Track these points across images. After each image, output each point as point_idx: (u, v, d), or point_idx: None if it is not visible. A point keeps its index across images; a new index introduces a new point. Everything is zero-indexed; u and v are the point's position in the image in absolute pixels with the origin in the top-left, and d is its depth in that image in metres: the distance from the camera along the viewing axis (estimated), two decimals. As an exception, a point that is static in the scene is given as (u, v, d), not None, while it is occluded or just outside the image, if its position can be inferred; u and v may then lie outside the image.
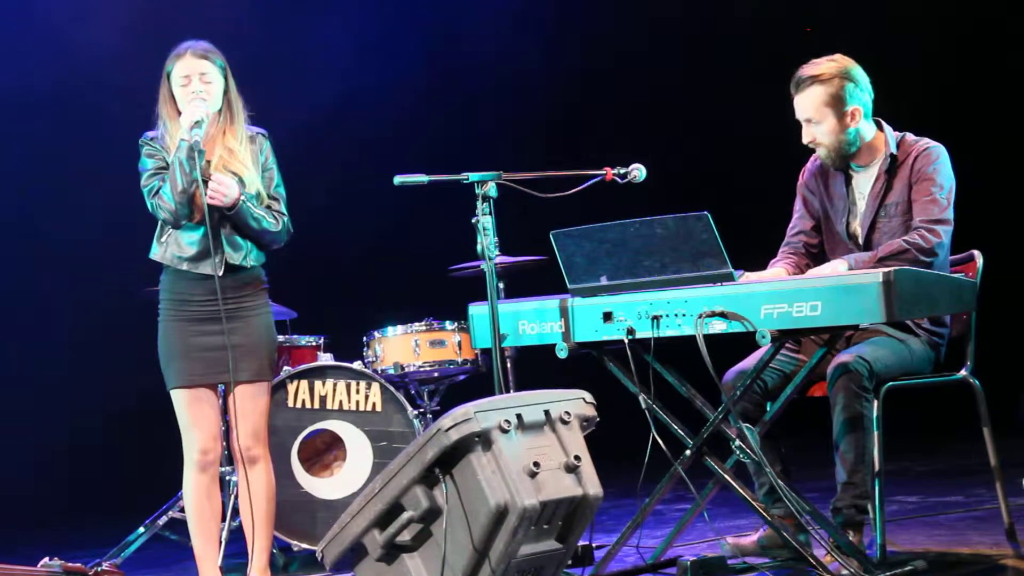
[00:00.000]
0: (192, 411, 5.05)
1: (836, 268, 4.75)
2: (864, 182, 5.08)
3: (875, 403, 4.74)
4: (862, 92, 4.99)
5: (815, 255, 5.18)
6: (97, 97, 8.36)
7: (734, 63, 9.44)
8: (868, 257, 4.80)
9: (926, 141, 5.03)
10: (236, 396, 5.08)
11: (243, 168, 5.05)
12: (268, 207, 5.10)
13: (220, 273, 5.00)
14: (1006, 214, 8.94)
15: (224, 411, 5.31)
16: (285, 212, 5.15)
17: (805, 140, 5.04)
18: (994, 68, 9.19)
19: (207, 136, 5.00)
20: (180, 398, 5.06)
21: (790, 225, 5.27)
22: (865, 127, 5.01)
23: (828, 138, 4.99)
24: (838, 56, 5.03)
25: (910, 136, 5.07)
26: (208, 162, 5.00)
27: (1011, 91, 9.14)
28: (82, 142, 8.41)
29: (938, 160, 4.96)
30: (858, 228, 5.06)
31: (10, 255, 8.51)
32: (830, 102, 4.96)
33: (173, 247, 5.04)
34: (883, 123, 5.06)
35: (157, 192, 4.98)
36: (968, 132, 8.62)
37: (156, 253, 5.09)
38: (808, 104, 4.99)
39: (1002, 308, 6.88)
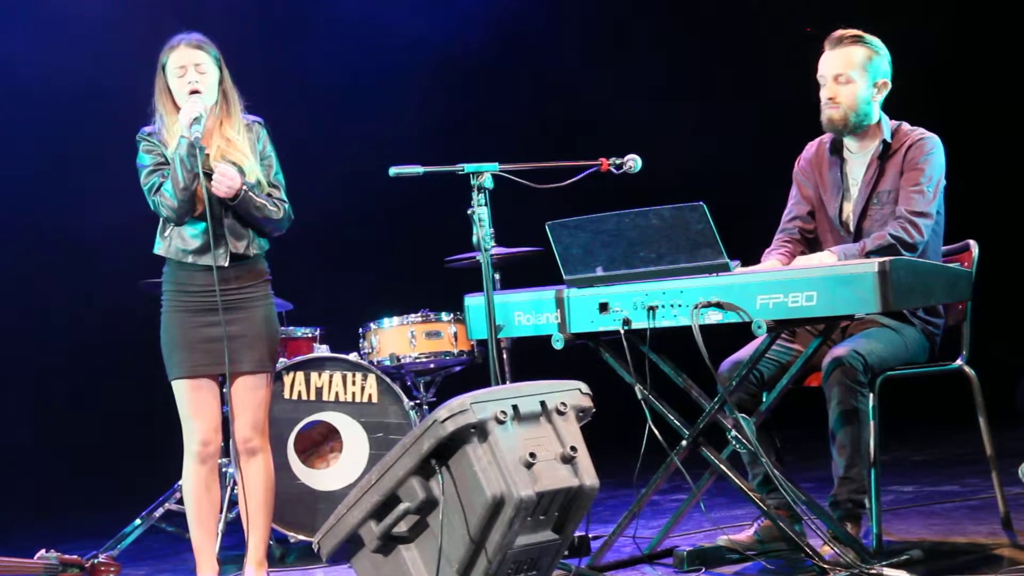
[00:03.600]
0: (193, 402, 5.05)
1: (823, 260, 4.74)
2: (858, 168, 5.08)
3: (871, 396, 4.74)
4: (889, 72, 5.01)
5: (811, 241, 5.18)
6: (97, 90, 8.34)
7: (731, 60, 9.43)
8: (857, 250, 4.79)
9: (921, 131, 5.04)
10: (237, 387, 5.08)
11: (242, 157, 5.04)
12: (269, 195, 5.10)
13: (226, 263, 5.00)
14: (1001, 203, 8.94)
15: (224, 402, 5.30)
16: (286, 199, 5.16)
17: (826, 96, 5.00)
18: (992, 59, 9.19)
19: (205, 127, 5.00)
20: (182, 389, 5.06)
21: (785, 211, 5.26)
22: (876, 109, 5.01)
23: (851, 99, 4.96)
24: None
25: (905, 125, 5.07)
26: (207, 154, 5.00)
27: (1008, 82, 9.15)
28: (83, 136, 8.39)
29: (932, 151, 4.96)
30: (850, 214, 5.06)
31: (11, 248, 8.50)
32: (867, 64, 4.96)
33: (177, 241, 5.04)
34: (882, 112, 5.06)
35: (158, 189, 4.97)
36: (964, 123, 8.64)
37: (160, 248, 5.09)
38: (845, 60, 4.97)
39: (998, 297, 6.87)
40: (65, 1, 8.44)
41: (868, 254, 4.73)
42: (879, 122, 5.04)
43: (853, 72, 4.96)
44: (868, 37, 5.01)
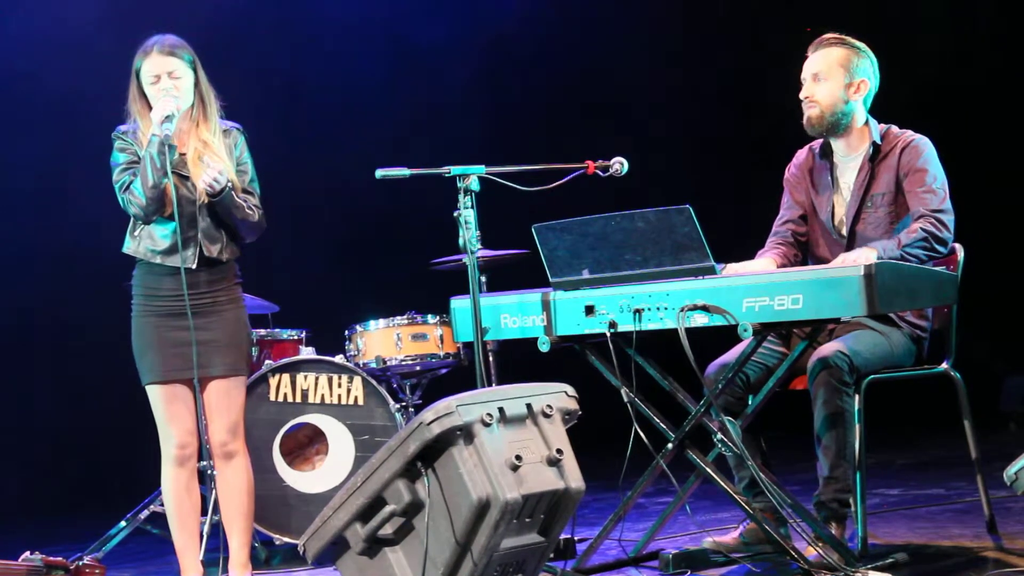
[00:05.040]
0: (168, 406, 5.03)
1: (868, 255, 4.67)
2: (848, 172, 5.10)
3: (856, 397, 4.75)
4: (873, 75, 5.05)
5: (803, 244, 5.20)
6: (74, 92, 8.32)
7: (727, 60, 9.43)
8: (894, 245, 4.78)
9: (911, 133, 5.06)
10: (211, 391, 5.06)
11: (218, 160, 5.02)
12: (244, 200, 5.08)
13: (193, 266, 4.98)
14: (986, 205, 8.96)
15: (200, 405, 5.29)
16: (260, 206, 5.14)
17: (802, 95, 5.06)
18: (975, 67, 9.22)
19: (180, 130, 4.98)
20: (155, 394, 5.04)
21: (778, 216, 5.28)
22: (860, 111, 5.03)
23: (826, 99, 5.01)
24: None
25: (895, 128, 5.09)
26: (182, 155, 4.98)
27: (997, 82, 9.17)
28: (71, 138, 8.37)
29: (927, 152, 4.99)
30: (843, 217, 5.07)
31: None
32: (844, 63, 5.00)
33: (146, 241, 5.02)
34: (869, 115, 5.08)
35: (128, 187, 4.96)
36: (949, 124, 8.66)
37: (129, 247, 5.07)
38: (822, 59, 5.03)
39: (983, 300, 6.88)
40: (50, 4, 8.44)
41: (904, 248, 4.74)
42: (866, 124, 5.06)
43: (828, 70, 5.01)
44: (851, 40, 5.05)
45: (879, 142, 5.04)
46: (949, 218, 4.89)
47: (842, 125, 5.03)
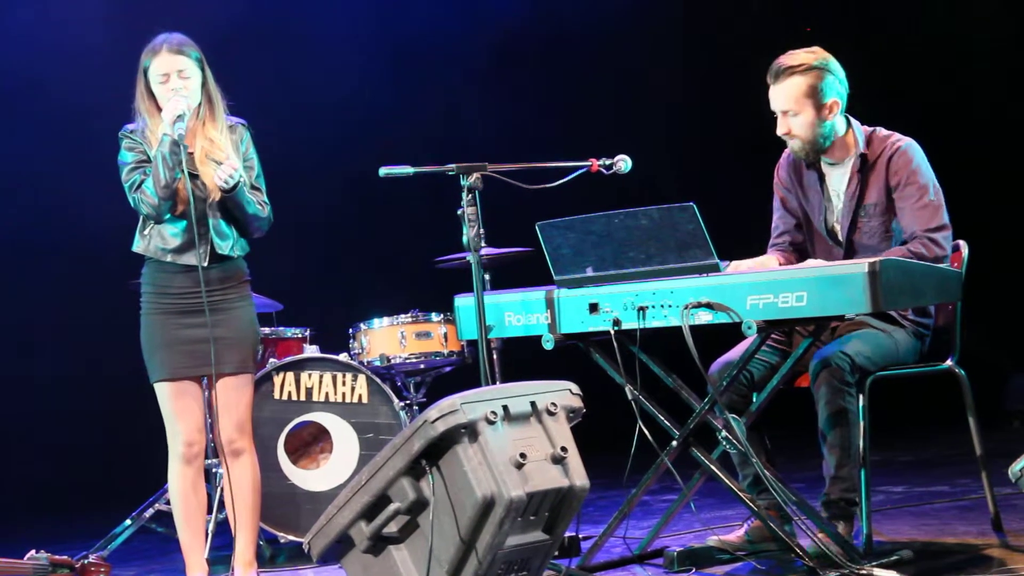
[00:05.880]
0: (176, 404, 5.04)
1: None
2: (838, 179, 5.05)
3: (859, 397, 4.74)
4: (840, 85, 4.96)
5: (802, 251, 5.17)
6: (76, 93, 8.32)
7: (727, 60, 9.43)
8: None
9: (897, 138, 4.99)
10: (220, 389, 5.07)
11: (225, 157, 5.02)
12: (252, 196, 5.08)
13: (205, 263, 4.99)
14: (990, 203, 8.96)
15: (208, 403, 5.29)
16: (267, 202, 5.15)
17: (780, 132, 4.99)
18: (979, 65, 9.21)
19: (188, 128, 4.98)
20: (164, 391, 5.05)
21: (772, 225, 5.24)
22: (839, 122, 4.99)
23: (804, 131, 4.95)
24: (816, 48, 4.99)
25: (880, 132, 5.03)
26: (190, 154, 4.99)
27: (996, 85, 9.17)
28: (72, 137, 8.37)
29: (915, 159, 4.93)
30: (836, 225, 5.05)
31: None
32: (809, 93, 4.91)
33: (156, 239, 5.03)
34: (851, 119, 5.03)
35: (139, 187, 4.96)
36: (953, 122, 8.66)
37: (139, 246, 5.08)
38: (786, 95, 4.93)
39: (987, 298, 6.88)
40: (52, 7, 8.45)
41: None
42: (849, 130, 5.00)
43: (797, 104, 4.92)
44: (805, 60, 4.93)
45: (865, 152, 5.00)
46: (945, 234, 4.85)
47: (828, 144, 4.99)
